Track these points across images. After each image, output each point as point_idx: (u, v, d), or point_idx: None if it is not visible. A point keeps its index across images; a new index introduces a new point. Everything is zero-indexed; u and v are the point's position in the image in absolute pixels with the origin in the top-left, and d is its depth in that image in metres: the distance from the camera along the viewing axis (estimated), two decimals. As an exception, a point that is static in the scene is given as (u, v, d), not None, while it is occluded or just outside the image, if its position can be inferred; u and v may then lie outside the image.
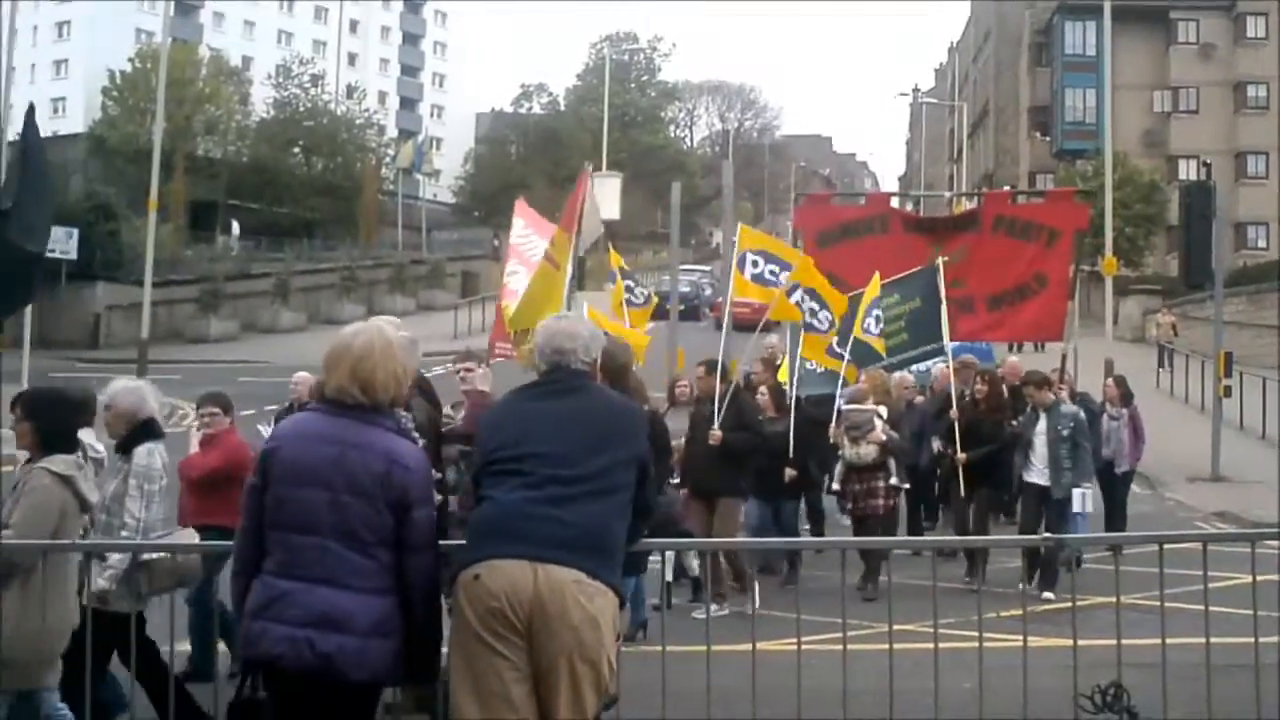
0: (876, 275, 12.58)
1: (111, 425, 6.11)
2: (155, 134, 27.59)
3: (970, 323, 14.08)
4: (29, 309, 16.85)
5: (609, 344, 5.38)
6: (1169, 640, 5.08)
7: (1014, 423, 11.18)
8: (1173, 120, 52.58)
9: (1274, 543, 6.14)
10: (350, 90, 68.78)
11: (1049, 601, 9.61)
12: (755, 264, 11.39)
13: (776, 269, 11.40)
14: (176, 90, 45.86)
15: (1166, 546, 5.27)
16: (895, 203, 19.23)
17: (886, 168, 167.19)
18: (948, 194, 45.10)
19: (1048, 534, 8.49)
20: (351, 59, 77.21)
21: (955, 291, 13.13)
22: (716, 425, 9.83)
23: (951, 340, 12.83)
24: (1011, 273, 14.03)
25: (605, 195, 41.27)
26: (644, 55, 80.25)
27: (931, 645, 4.97)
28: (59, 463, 5.14)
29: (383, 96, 75.93)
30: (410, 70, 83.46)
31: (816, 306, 11.61)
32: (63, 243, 29.49)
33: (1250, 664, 5.04)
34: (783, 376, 12.22)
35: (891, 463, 10.77)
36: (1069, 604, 6.47)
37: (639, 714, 5.01)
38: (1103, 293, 25.30)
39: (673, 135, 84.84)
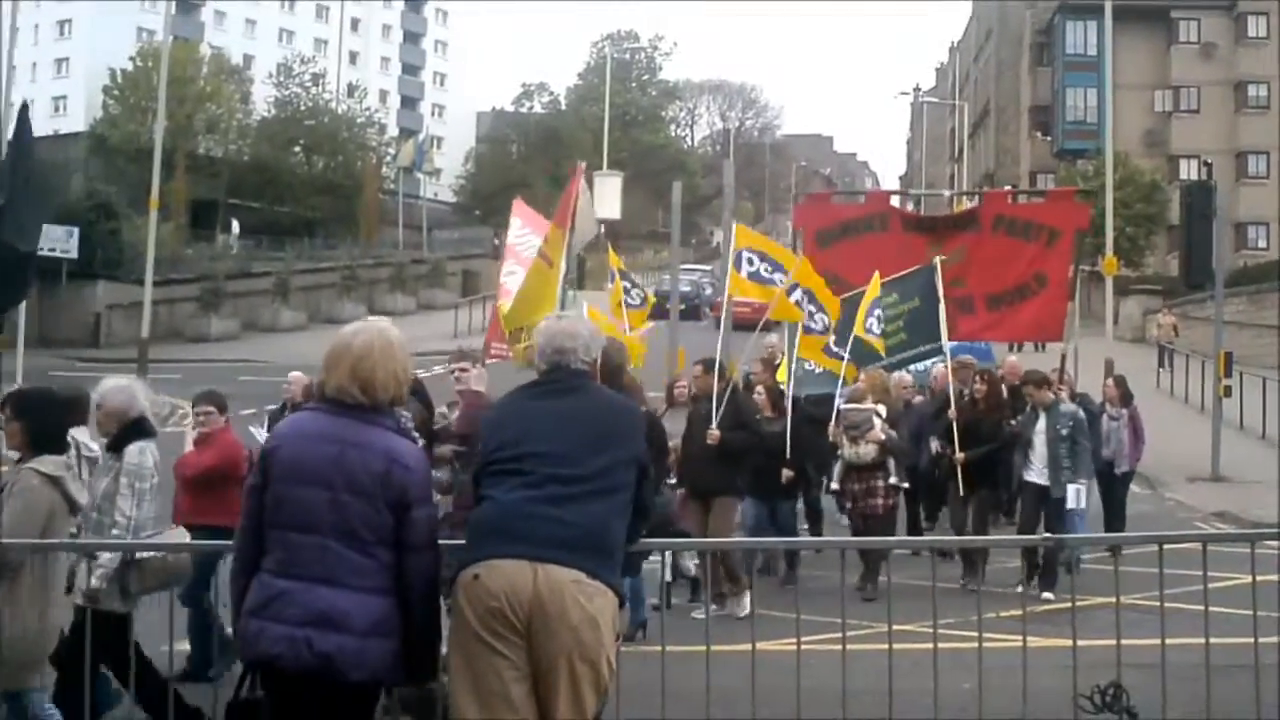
0: (877, 275, 12.54)
1: (102, 424, 6.09)
2: (156, 133, 27.55)
3: (970, 322, 14.07)
4: (24, 307, 16.84)
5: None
6: (1168, 640, 5.07)
7: (1013, 422, 11.19)
8: (1173, 120, 52.54)
9: (1274, 543, 6.12)
10: (351, 89, 68.83)
11: (1048, 602, 9.60)
12: (751, 262, 11.37)
13: (770, 268, 11.39)
14: (178, 89, 45.91)
15: (1166, 547, 5.26)
16: (895, 201, 19.18)
17: (887, 167, 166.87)
18: (948, 193, 45.00)
19: (1047, 534, 8.49)
20: (352, 58, 77.27)
21: (955, 291, 13.11)
22: (714, 424, 9.80)
23: (951, 340, 12.79)
24: (1011, 272, 14.02)
25: (606, 194, 41.44)
26: (645, 54, 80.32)
27: (931, 645, 4.96)
28: (48, 463, 5.11)
29: (384, 95, 75.98)
30: (411, 69, 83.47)
31: (814, 309, 11.61)
32: (63, 241, 29.54)
33: (1250, 664, 5.03)
34: (781, 376, 12.21)
35: (891, 462, 10.77)
36: (1068, 604, 6.47)
37: (639, 714, 5.00)
38: (1103, 292, 25.26)
39: (673, 135, 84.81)
